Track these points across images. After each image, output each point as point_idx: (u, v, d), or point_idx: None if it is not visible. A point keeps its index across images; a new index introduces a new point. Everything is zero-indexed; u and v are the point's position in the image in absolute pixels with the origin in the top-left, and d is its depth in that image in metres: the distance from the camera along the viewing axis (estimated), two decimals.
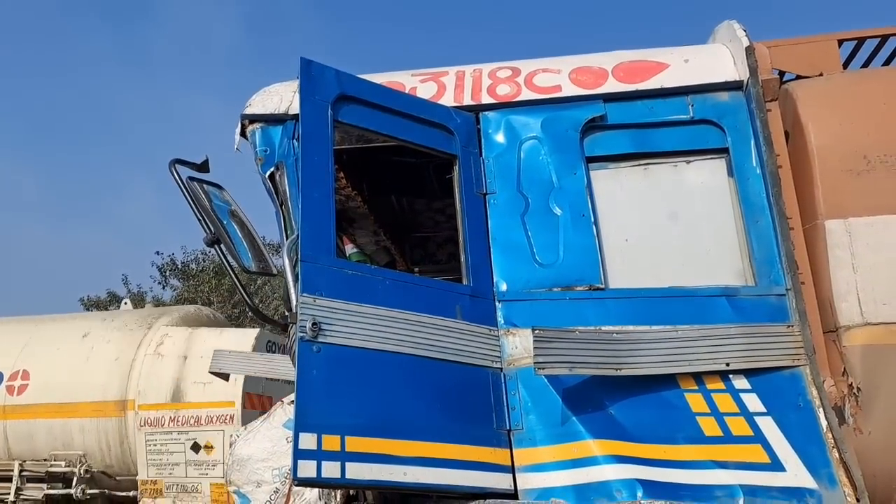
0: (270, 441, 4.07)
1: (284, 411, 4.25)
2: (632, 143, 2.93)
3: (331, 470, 2.19)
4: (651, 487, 2.30)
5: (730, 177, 2.86)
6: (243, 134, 3.16)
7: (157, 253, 28.88)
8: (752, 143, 2.84)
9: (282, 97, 3.18)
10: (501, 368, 2.63)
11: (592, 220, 2.79)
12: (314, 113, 2.65)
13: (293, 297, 2.58)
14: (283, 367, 4.80)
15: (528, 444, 2.51)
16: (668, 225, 2.84)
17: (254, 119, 3.13)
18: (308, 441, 2.19)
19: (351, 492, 2.74)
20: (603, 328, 2.56)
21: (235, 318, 31.19)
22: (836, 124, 2.87)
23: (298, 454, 2.17)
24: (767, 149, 2.76)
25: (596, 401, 2.51)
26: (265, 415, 4.32)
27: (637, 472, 2.34)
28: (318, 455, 2.19)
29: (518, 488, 2.45)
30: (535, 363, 2.36)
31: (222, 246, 2.89)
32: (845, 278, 2.65)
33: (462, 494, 2.42)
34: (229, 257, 2.83)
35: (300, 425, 2.21)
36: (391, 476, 2.28)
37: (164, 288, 33.64)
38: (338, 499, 2.77)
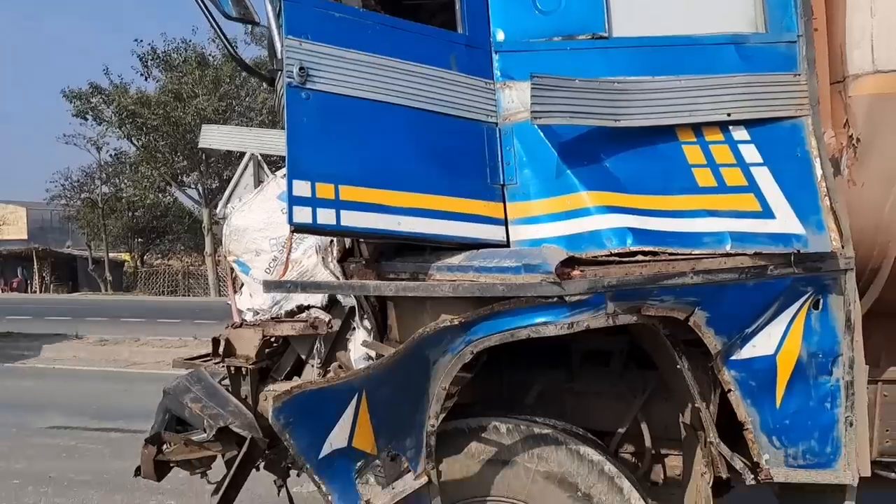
0: (266, 212, 4.10)
1: (277, 184, 4.25)
2: None
3: (326, 216, 2.20)
4: (641, 235, 2.33)
5: None
6: None
7: (137, 41, 27.61)
8: None
9: None
10: (497, 123, 2.57)
11: None
12: None
13: (277, 43, 2.46)
14: (275, 141, 4.75)
15: (521, 199, 2.51)
16: None
17: None
18: (302, 188, 2.18)
19: (347, 244, 2.78)
20: (603, 78, 2.46)
21: (222, 112, 30.78)
22: None
23: (293, 201, 2.17)
24: None
25: (591, 153, 2.48)
26: (259, 187, 4.33)
27: (628, 221, 2.36)
28: (313, 202, 2.19)
29: (510, 240, 2.49)
30: (531, 112, 2.29)
31: None
32: (861, 23, 2.51)
33: (456, 244, 2.46)
34: (207, 2, 2.65)
35: (293, 172, 2.19)
36: (385, 225, 2.30)
37: (146, 79, 32.79)
38: (334, 254, 2.82)
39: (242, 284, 4.49)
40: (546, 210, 2.46)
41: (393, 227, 2.31)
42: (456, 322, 2.27)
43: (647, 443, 3.26)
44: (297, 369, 3.92)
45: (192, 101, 30.61)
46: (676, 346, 2.49)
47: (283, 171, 4.34)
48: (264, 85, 33.19)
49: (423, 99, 2.42)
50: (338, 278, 2.80)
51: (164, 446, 3.33)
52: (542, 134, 2.49)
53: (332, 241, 2.84)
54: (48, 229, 50.79)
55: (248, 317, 4.21)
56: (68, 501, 5.88)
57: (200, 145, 4.82)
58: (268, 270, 4.04)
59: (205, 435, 3.29)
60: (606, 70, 2.53)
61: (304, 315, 3.81)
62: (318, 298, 3.81)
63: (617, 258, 2.28)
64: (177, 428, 3.47)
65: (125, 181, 36.44)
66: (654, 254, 2.30)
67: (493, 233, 2.47)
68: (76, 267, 41.21)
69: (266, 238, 4.06)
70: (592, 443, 2.88)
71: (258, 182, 9.55)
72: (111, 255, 39.77)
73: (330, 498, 2.40)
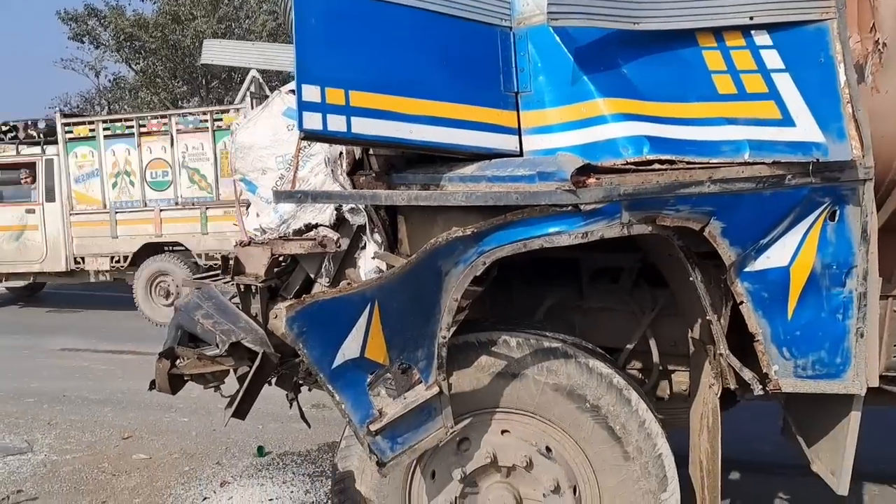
0: (271, 129, 4.04)
1: (283, 100, 4.17)
2: None
3: (336, 123, 2.14)
4: (658, 143, 2.27)
5: None
6: None
7: None
8: None
9: None
10: (511, 27, 2.48)
11: None
12: None
13: None
14: (280, 56, 4.63)
15: (535, 107, 2.45)
16: None
17: None
18: (311, 93, 2.12)
19: (357, 155, 2.74)
20: None
21: (221, 34, 30.04)
22: None
23: (303, 106, 2.11)
24: None
25: (608, 60, 2.40)
26: (263, 104, 4.25)
27: (645, 128, 2.29)
28: (323, 108, 2.13)
29: (523, 149, 2.44)
30: (548, 12, 2.20)
31: None
32: None
33: (468, 154, 2.42)
34: None
35: (302, 76, 2.12)
36: (397, 133, 2.24)
37: (143, 0, 31.90)
38: (344, 166, 2.78)
39: (248, 204, 4.47)
40: (561, 118, 2.39)
41: (404, 136, 2.25)
42: (468, 232, 2.24)
43: (655, 358, 3.29)
44: (306, 288, 3.93)
45: (190, 24, 29.90)
46: (689, 257, 2.47)
47: (288, 86, 4.26)
48: (263, 6, 32.57)
49: (435, 1, 2.33)
50: (346, 188, 2.76)
51: (178, 361, 3.36)
52: (557, 38, 2.40)
53: (341, 152, 2.79)
54: None
55: (255, 235, 4.20)
56: (83, 418, 6.02)
57: (202, 61, 4.70)
58: (274, 188, 4.00)
59: (217, 350, 3.31)
60: None
61: (312, 234, 3.80)
62: (326, 217, 3.79)
63: (633, 167, 2.23)
64: (189, 344, 3.49)
65: (125, 106, 35.93)
66: (672, 162, 2.25)
67: (506, 142, 2.42)
68: None
69: (272, 156, 4.01)
70: (601, 356, 2.89)
71: (255, 103, 9.44)
72: None
73: (343, 407, 2.43)
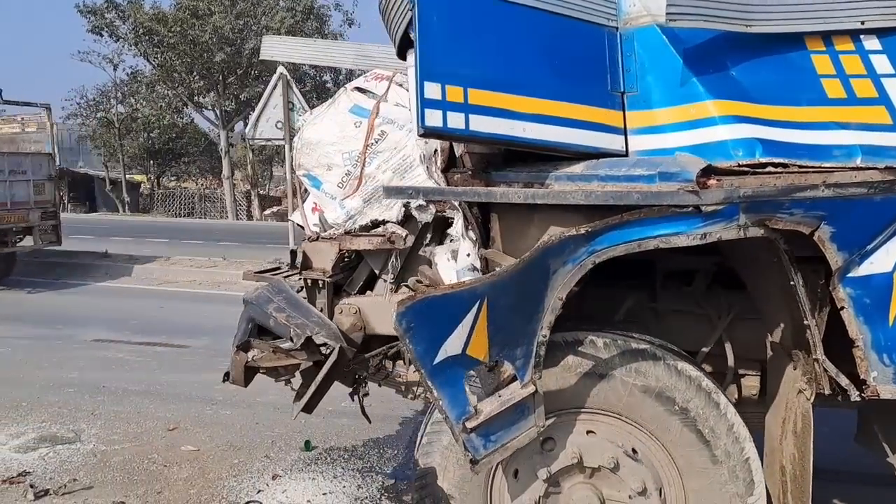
0: (338, 126, 4.04)
1: (349, 97, 4.17)
2: None
3: (456, 120, 2.15)
4: (770, 146, 2.27)
5: None
6: None
7: None
8: None
9: None
10: (617, 27, 2.48)
11: None
12: None
13: None
14: (341, 54, 4.64)
15: (642, 107, 2.44)
16: None
17: None
18: (433, 90, 2.12)
19: (458, 152, 2.74)
20: None
21: (239, 31, 30.18)
22: None
23: (425, 103, 2.11)
24: None
25: (717, 61, 2.40)
26: (329, 101, 4.25)
27: (756, 131, 2.29)
28: (444, 105, 2.13)
29: (629, 149, 2.44)
30: (667, 12, 2.20)
31: None
32: None
33: (573, 153, 2.41)
34: None
35: (424, 74, 2.12)
36: (511, 131, 2.24)
37: None
38: (438, 163, 2.78)
39: (305, 199, 4.47)
40: (669, 119, 2.39)
41: (518, 133, 2.25)
42: (582, 231, 2.24)
43: (731, 362, 3.28)
44: (370, 284, 3.95)
45: (209, 19, 30.02)
46: (792, 262, 2.46)
47: (354, 83, 4.27)
48: (281, 2, 32.57)
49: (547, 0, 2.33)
50: (441, 185, 2.76)
51: (253, 353, 3.37)
52: (665, 39, 2.40)
53: (436, 150, 2.79)
54: (63, 149, 50.64)
55: (313, 230, 4.22)
56: (126, 409, 6.05)
57: (262, 57, 4.71)
58: (340, 185, 4.02)
59: (292, 343, 3.33)
60: None
61: (380, 230, 3.81)
62: (393, 213, 3.80)
63: (749, 169, 2.22)
64: (261, 336, 3.51)
65: (141, 101, 36.08)
66: (784, 165, 2.25)
67: (612, 141, 2.42)
68: (94, 187, 41.26)
69: (338, 152, 4.02)
70: (688, 359, 2.89)
71: (288, 102, 9.36)
72: (126, 176, 39.76)
73: (441, 403, 2.43)
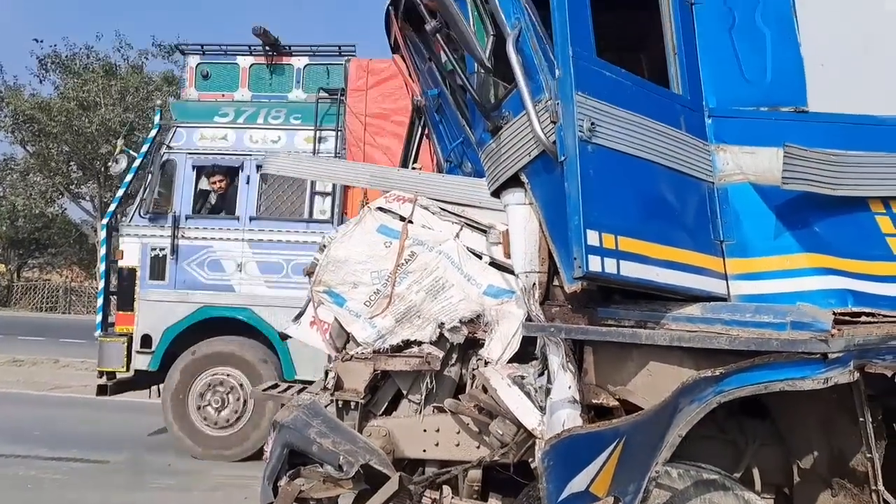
0: (367, 245, 4.07)
1: (374, 217, 4.23)
2: None
3: (611, 266, 2.29)
4: (859, 297, 2.55)
5: None
6: None
7: (37, 41, 25.70)
8: None
9: None
10: (714, 182, 2.74)
11: (799, 40, 2.82)
12: None
13: (526, 95, 2.52)
14: (355, 172, 4.70)
15: (739, 255, 2.69)
16: (861, 53, 2.92)
17: None
18: (593, 238, 2.26)
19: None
20: (819, 149, 2.67)
21: (127, 123, 29.35)
22: None
23: (589, 250, 2.24)
24: None
25: (803, 217, 2.69)
26: (356, 219, 4.28)
27: (845, 283, 2.57)
28: (601, 252, 2.27)
29: (731, 293, 2.65)
30: (783, 178, 2.48)
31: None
32: None
33: (683, 295, 2.59)
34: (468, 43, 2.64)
35: (587, 223, 2.26)
36: (647, 275, 2.41)
37: (41, 82, 30.66)
38: (536, 296, 2.86)
39: (313, 317, 4.38)
40: (765, 268, 2.63)
41: (652, 278, 2.41)
42: (717, 373, 2.38)
43: (758, 486, 3.46)
44: (394, 403, 3.89)
45: (96, 110, 29.06)
46: (866, 401, 2.70)
47: (377, 202, 4.33)
48: (172, 99, 32.08)
49: (669, 157, 2.56)
50: (539, 319, 2.84)
51: (301, 482, 3.21)
52: (758, 196, 2.68)
53: (534, 283, 2.88)
54: None
55: (325, 348, 4.15)
56: None
57: (265, 171, 4.68)
58: (367, 303, 4.00)
59: (342, 472, 3.20)
60: (807, 140, 2.75)
61: (415, 350, 3.80)
62: (426, 334, 3.82)
63: (849, 318, 2.47)
64: (302, 461, 3.35)
65: (9, 188, 33.85)
66: (872, 315, 2.52)
67: (717, 286, 2.62)
68: None
69: (367, 271, 4.02)
70: (751, 488, 3.04)
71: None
72: None
73: None
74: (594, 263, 2.25)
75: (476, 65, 2.85)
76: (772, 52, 2.81)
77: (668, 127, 2.59)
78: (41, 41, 29.50)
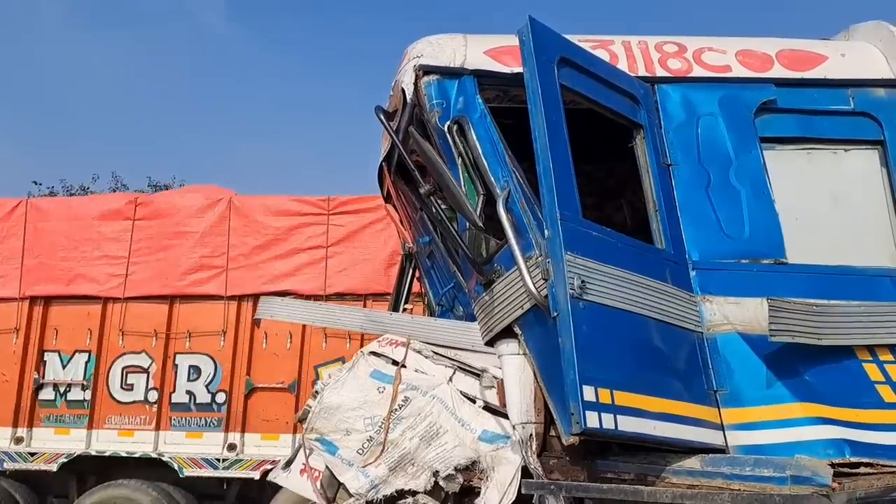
0: (361, 391, 4.05)
1: (367, 362, 4.23)
2: (798, 127, 3.15)
3: (608, 421, 2.30)
4: (855, 447, 2.57)
5: (882, 167, 3.14)
6: (416, 83, 3.13)
7: (36, 183, 26.38)
8: None
9: (454, 50, 3.17)
10: (702, 332, 2.80)
11: (772, 196, 2.98)
12: (545, 72, 2.66)
13: (517, 253, 2.62)
14: (345, 317, 4.74)
15: (733, 405, 2.71)
16: (829, 208, 3.08)
17: (428, 71, 3.11)
18: (589, 393, 2.28)
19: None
20: (802, 300, 2.76)
21: None
22: None
23: (585, 405, 2.26)
24: None
25: (793, 367, 2.74)
26: (348, 364, 4.28)
27: (840, 432, 2.59)
28: (598, 407, 2.29)
29: (728, 444, 2.65)
30: (770, 330, 2.55)
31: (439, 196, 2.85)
32: None
33: (684, 448, 2.59)
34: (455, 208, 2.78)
35: (583, 378, 2.29)
36: (644, 429, 2.42)
37: None
38: (533, 448, 2.84)
39: (303, 464, 4.30)
40: (759, 417, 2.66)
41: (650, 432, 2.42)
42: None
43: None
44: None
45: None
46: None
47: (369, 348, 4.35)
48: None
49: (658, 310, 2.63)
50: (538, 472, 2.80)
51: None
52: (747, 346, 2.74)
53: (531, 434, 2.87)
54: None
55: (315, 497, 4.05)
56: None
57: (258, 316, 4.70)
58: (360, 451, 3.94)
59: None
60: (787, 291, 2.85)
61: (409, 500, 3.72)
62: (421, 483, 3.75)
63: (848, 469, 2.47)
64: None
65: None
66: (870, 465, 2.52)
67: (714, 437, 2.63)
68: None
69: (360, 417, 3.99)
70: None
71: None
72: None
73: None
74: (592, 419, 2.26)
75: (467, 223, 2.97)
76: (748, 208, 2.96)
77: (655, 281, 2.68)
78: (40, 183, 29.82)
